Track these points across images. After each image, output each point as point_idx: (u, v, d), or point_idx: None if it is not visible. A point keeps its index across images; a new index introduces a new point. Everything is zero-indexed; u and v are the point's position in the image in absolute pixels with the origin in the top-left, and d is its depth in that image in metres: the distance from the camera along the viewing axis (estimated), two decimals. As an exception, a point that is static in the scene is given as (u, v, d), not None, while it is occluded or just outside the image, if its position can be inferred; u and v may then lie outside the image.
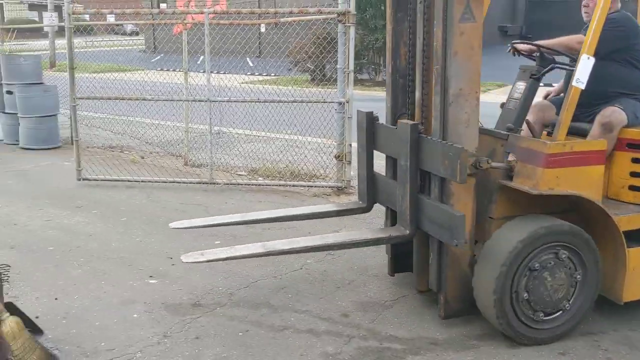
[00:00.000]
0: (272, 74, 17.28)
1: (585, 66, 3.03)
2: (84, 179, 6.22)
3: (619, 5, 3.56)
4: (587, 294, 3.09)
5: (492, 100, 15.42)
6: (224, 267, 3.92)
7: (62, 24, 11.75)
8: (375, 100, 14.41)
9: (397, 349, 2.97)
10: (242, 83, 10.71)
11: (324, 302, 3.47)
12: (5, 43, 10.82)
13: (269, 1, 26.47)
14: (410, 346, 3.00)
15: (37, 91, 8.38)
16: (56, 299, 3.49)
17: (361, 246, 3.47)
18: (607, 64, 3.35)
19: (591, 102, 3.38)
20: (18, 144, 8.42)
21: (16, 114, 8.38)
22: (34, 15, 50.83)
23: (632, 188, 3.29)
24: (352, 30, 5.57)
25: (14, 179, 6.49)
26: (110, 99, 7.06)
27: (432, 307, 3.35)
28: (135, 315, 3.31)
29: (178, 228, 3.87)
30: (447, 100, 3.05)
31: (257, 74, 17.33)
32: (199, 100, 6.37)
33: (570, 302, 3.07)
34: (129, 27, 34.54)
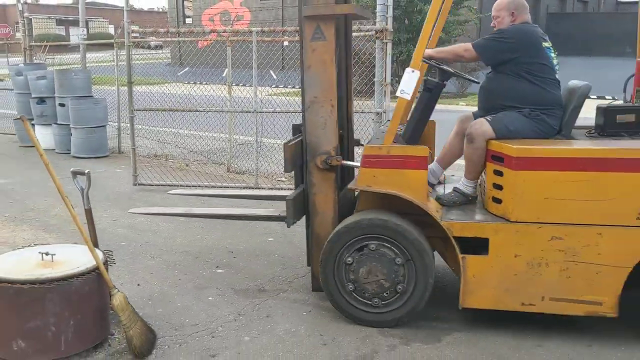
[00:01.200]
0: (297, 87, 17.82)
1: (409, 79, 3.37)
2: (139, 184, 6.75)
3: (527, 17, 3.62)
4: (418, 284, 3.33)
5: None
6: (281, 260, 4.39)
7: (87, 41, 12.41)
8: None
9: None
10: (268, 95, 11.20)
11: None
12: (35, 59, 11.47)
13: (291, 16, 27.17)
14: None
15: (88, 103, 8.99)
16: (138, 284, 3.97)
17: (250, 219, 4.63)
18: (498, 76, 3.54)
19: (486, 113, 3.57)
20: (69, 153, 9.00)
21: (68, 125, 8.97)
22: (61, 30, 52.32)
23: (494, 200, 3.35)
24: (389, 46, 6.05)
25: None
26: (165, 110, 7.58)
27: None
28: (210, 298, 3.78)
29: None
30: (305, 106, 3.63)
31: (281, 86, 17.85)
32: (246, 112, 6.88)
33: (399, 290, 3.35)
34: (153, 42, 35.51)
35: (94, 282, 3.05)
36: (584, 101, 3.50)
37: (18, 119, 3.72)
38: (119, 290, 3.10)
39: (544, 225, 3.20)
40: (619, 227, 3.12)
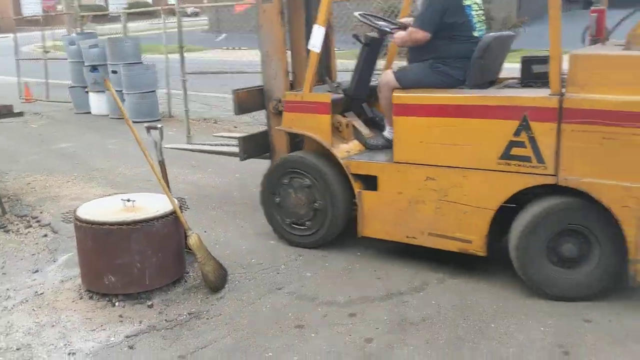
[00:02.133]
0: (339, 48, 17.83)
1: (317, 34, 3.80)
2: (194, 144, 7.12)
3: None
4: (329, 203, 3.84)
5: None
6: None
7: (127, 9, 12.67)
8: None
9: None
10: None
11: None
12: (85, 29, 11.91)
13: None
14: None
15: (139, 69, 9.37)
16: (205, 231, 4.33)
17: (217, 154, 5.29)
18: None
19: None
20: (123, 118, 9.44)
21: (120, 90, 9.38)
22: (100, 0, 53.01)
23: None
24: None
25: (133, 146, 7.42)
26: (214, 73, 7.88)
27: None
28: (272, 242, 4.12)
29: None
30: (261, 60, 4.20)
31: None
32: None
33: (315, 221, 3.91)
34: (190, 9, 35.71)
35: (172, 225, 3.40)
36: (492, 53, 3.57)
37: (100, 81, 4.21)
38: (194, 232, 3.45)
39: (420, 166, 3.51)
40: (482, 171, 3.31)
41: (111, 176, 6.09)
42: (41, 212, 4.98)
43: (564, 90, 3.10)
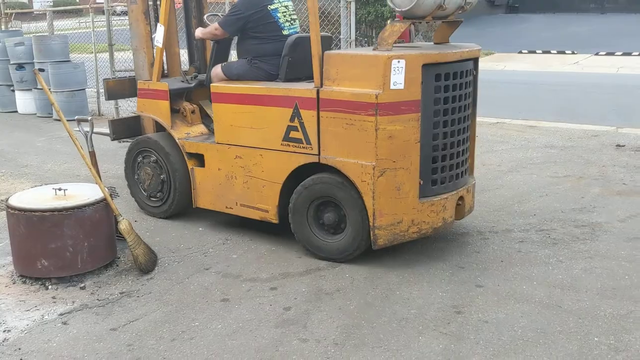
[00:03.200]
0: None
1: (158, 32, 4.52)
2: (123, 141, 7.20)
3: None
4: (175, 189, 4.47)
5: (480, 68, 16.44)
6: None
7: (54, 8, 12.52)
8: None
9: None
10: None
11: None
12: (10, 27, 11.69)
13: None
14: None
15: (68, 67, 9.32)
16: (135, 221, 4.49)
17: (100, 134, 5.30)
18: (240, 36, 4.33)
19: None
20: (51, 117, 9.37)
21: (49, 89, 9.32)
22: (23, -2, 50.92)
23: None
24: (352, 5, 6.56)
25: (61, 143, 7.48)
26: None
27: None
28: (200, 229, 4.37)
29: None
30: (132, 52, 4.90)
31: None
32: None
33: (164, 193, 4.58)
34: (119, 7, 34.98)
35: (102, 211, 3.60)
36: (299, 51, 3.98)
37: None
38: (124, 217, 3.66)
39: (232, 146, 4.10)
40: (271, 151, 3.90)
41: (40, 172, 6.13)
42: (-31, 207, 5.01)
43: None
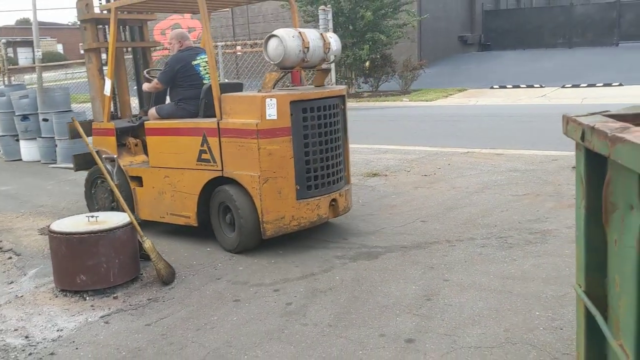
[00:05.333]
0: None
1: (107, 84, 5.78)
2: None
3: (189, 42, 5.67)
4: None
5: (452, 104, 17.82)
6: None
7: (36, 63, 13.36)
8: (352, 109, 16.26)
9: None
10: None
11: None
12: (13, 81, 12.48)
13: (242, 25, 28.41)
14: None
15: (70, 117, 10.05)
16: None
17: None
18: (171, 85, 5.49)
19: None
20: (55, 163, 10.05)
21: (52, 137, 10.02)
22: (9, 52, 51.95)
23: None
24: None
25: (69, 185, 8.15)
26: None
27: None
28: (208, 249, 5.04)
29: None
30: (91, 99, 6.21)
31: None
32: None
33: (114, 209, 5.60)
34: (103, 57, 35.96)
35: (129, 233, 4.28)
36: (209, 95, 5.00)
37: (70, 122, 5.54)
38: (147, 238, 4.34)
39: (161, 168, 5.28)
40: (189, 170, 5.04)
41: (56, 210, 6.78)
42: (0, 241, 5.65)
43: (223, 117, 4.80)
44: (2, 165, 10.46)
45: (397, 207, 6.05)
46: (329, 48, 4.97)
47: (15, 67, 16.82)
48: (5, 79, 12.52)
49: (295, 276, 4.32)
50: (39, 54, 12.53)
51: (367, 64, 19.57)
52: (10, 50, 51.42)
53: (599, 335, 2.01)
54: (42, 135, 10.25)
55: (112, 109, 6.12)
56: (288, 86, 5.75)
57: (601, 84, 18.18)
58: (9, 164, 10.54)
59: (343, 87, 5.30)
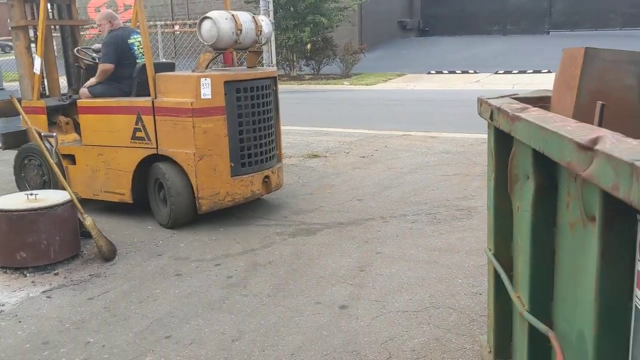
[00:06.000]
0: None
1: (37, 61, 5.77)
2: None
3: (119, 22, 5.73)
4: (55, 185, 5.47)
5: (391, 88, 18.22)
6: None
7: None
8: (293, 92, 16.41)
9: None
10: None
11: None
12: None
13: (181, 5, 27.87)
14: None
15: (2, 96, 9.75)
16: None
17: None
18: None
19: None
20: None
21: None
22: None
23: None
24: (273, 34, 7.53)
25: (3, 165, 7.95)
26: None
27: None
28: (149, 227, 5.11)
29: None
30: (19, 77, 6.07)
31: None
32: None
33: (45, 187, 5.64)
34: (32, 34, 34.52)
35: (70, 210, 4.32)
36: (142, 74, 5.10)
37: (9, 98, 5.42)
38: (88, 215, 4.39)
39: (95, 146, 5.32)
40: (123, 148, 5.12)
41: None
42: None
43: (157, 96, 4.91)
44: None
45: (335, 187, 6.28)
46: (261, 31, 5.14)
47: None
48: None
49: (236, 252, 4.48)
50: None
51: (309, 46, 19.71)
52: None
53: (506, 293, 2.29)
54: (-28, 115, 9.90)
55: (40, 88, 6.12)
56: (221, 67, 5.81)
57: (531, 71, 19.00)
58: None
59: (274, 68, 5.54)
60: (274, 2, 18.71)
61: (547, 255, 1.77)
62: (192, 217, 4.98)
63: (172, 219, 4.95)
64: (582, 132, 1.36)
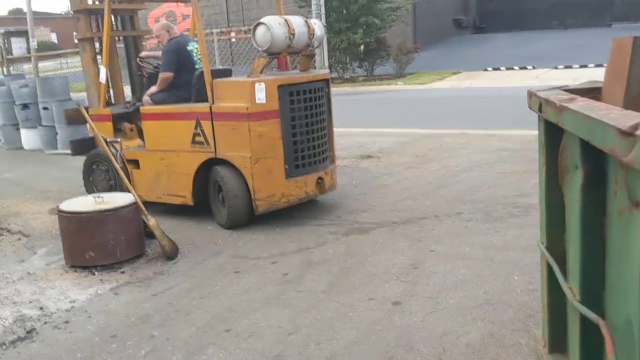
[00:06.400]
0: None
1: (102, 72, 6.05)
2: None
3: (176, 31, 5.91)
4: (120, 189, 5.58)
5: (446, 87, 18.06)
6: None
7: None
8: (346, 94, 16.49)
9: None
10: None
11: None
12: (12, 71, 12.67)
13: (236, 12, 28.46)
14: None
15: (71, 105, 10.25)
16: (154, 225, 5.43)
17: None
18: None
19: None
20: (57, 150, 10.27)
21: (53, 126, 10.24)
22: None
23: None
24: (325, 37, 7.63)
25: (72, 172, 8.36)
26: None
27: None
28: (209, 227, 5.30)
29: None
30: (86, 87, 6.45)
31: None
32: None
33: (111, 185, 5.95)
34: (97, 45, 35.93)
35: (134, 212, 4.54)
36: (201, 81, 5.21)
37: (77, 107, 5.79)
38: (152, 217, 4.59)
39: (157, 151, 5.51)
40: (184, 152, 5.29)
41: (61, 195, 6.98)
42: (8, 224, 5.89)
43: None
44: (3, 154, 10.68)
45: (388, 187, 6.30)
46: (314, 34, 5.23)
47: (14, 57, 16.93)
48: (4, 68, 12.66)
49: (291, 250, 4.59)
50: (34, 43, 12.77)
51: (362, 48, 19.74)
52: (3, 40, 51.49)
53: (559, 286, 2.27)
54: (43, 124, 10.46)
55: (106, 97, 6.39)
56: (275, 71, 5.93)
57: (593, 65, 18.37)
58: (11, 152, 10.76)
59: (326, 71, 5.62)
60: (326, 5, 18.86)
61: (597, 245, 1.77)
62: (249, 218, 5.12)
63: (230, 220, 5.10)
64: (625, 119, 1.37)
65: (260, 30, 4.97)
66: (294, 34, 5.01)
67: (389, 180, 6.58)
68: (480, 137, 8.86)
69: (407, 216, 5.21)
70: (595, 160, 1.74)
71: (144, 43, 7.38)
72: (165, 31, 5.87)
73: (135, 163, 5.79)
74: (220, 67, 6.24)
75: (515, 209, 5.23)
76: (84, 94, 12.71)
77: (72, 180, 7.75)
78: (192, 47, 5.75)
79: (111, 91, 6.60)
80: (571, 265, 1.98)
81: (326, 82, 5.43)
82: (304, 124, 5.09)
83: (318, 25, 5.38)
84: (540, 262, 2.52)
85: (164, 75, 5.62)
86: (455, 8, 31.01)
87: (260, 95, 4.80)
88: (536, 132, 6.55)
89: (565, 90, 2.32)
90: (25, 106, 10.69)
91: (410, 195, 5.87)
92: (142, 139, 5.85)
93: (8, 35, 18.14)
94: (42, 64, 17.16)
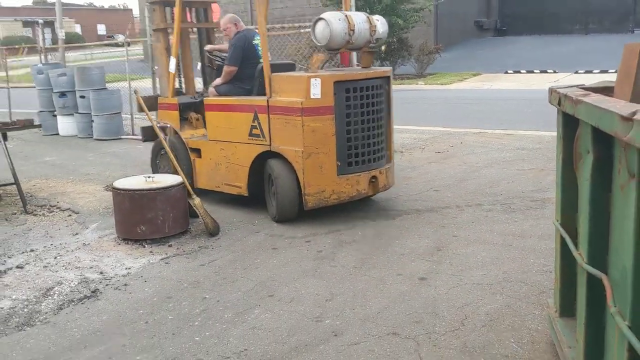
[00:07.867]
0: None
1: (172, 62, 6.18)
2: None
3: (242, 24, 6.05)
4: (185, 172, 5.59)
5: (467, 87, 18.33)
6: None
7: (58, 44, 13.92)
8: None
9: (398, 213, 5.38)
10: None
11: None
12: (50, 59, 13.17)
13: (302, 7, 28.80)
14: (405, 212, 5.41)
15: (106, 94, 10.76)
16: (194, 206, 5.85)
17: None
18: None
19: None
20: (91, 137, 10.76)
21: (89, 113, 10.73)
22: (27, 31, 52.74)
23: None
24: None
25: (110, 157, 8.85)
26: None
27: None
28: (247, 209, 5.70)
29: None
30: (157, 75, 6.89)
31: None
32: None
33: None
34: (121, 37, 36.52)
35: (181, 191, 4.96)
36: (262, 74, 5.32)
37: (135, 92, 6.03)
38: (196, 196, 5.02)
39: (217, 142, 5.66)
40: (242, 143, 5.42)
41: (103, 177, 7.47)
42: (57, 202, 6.35)
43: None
44: (41, 139, 11.19)
45: (412, 179, 6.67)
46: (375, 31, 5.22)
47: (50, 47, 17.48)
48: (43, 57, 13.20)
49: (323, 231, 4.98)
50: (62, 34, 13.28)
51: (384, 47, 20.06)
52: (28, 30, 52.34)
53: (570, 257, 2.64)
54: (79, 112, 10.96)
55: (177, 86, 6.61)
56: (338, 67, 6.07)
57: (613, 70, 18.54)
58: (48, 138, 11.27)
59: (388, 68, 5.58)
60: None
61: (603, 215, 2.13)
62: (296, 213, 5.14)
63: (278, 214, 5.14)
64: (627, 108, 1.73)
65: (319, 26, 5.02)
66: (353, 30, 5.02)
67: (413, 173, 6.94)
68: (500, 137, 9.18)
69: (431, 205, 5.58)
70: (604, 146, 2.11)
71: (218, 35, 7.49)
72: (233, 24, 5.93)
73: (198, 152, 5.92)
74: (284, 61, 6.16)
75: (533, 202, 5.58)
76: (115, 84, 13.31)
77: (111, 164, 8.22)
78: (258, 41, 5.76)
79: (183, 81, 6.72)
80: (581, 234, 2.35)
81: (386, 79, 5.37)
82: (360, 121, 5.06)
83: (381, 22, 5.32)
84: (555, 237, 2.88)
85: (228, 69, 5.74)
86: (478, 10, 31.18)
87: (316, 91, 4.83)
88: (553, 134, 6.94)
89: (582, 88, 2.68)
90: (62, 94, 11.18)
91: (433, 187, 6.24)
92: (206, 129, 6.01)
93: (43, 26, 18.82)
94: (67, 55, 17.73)
